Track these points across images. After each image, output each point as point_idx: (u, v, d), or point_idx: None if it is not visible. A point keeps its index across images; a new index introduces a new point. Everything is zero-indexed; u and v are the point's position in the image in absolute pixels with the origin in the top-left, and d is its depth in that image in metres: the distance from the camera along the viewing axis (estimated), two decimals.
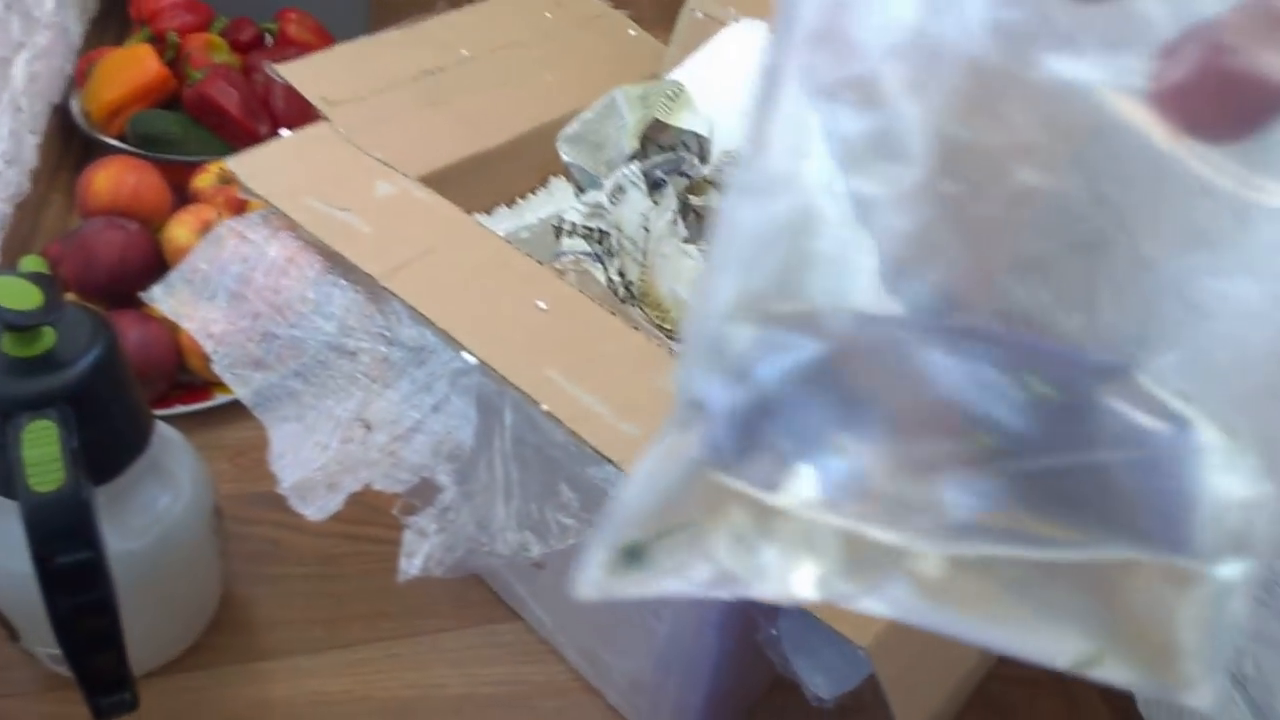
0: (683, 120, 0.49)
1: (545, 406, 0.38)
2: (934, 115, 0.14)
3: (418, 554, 0.38)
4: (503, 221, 0.56)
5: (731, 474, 0.16)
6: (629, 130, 0.49)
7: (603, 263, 0.46)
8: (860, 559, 0.15)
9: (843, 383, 0.16)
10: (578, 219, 0.46)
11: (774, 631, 0.46)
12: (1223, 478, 0.15)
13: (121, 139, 0.85)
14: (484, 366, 0.38)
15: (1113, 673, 0.16)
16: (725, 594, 0.16)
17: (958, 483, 0.15)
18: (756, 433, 0.16)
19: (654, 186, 0.47)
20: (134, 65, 0.86)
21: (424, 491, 0.42)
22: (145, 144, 0.84)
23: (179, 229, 0.72)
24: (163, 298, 0.43)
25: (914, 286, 0.15)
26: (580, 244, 0.46)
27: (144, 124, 0.84)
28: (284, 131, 0.47)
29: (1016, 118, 0.14)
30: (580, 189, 0.51)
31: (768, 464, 0.16)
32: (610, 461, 0.36)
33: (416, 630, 0.63)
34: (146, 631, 0.56)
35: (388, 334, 0.40)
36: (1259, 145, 0.13)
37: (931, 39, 0.14)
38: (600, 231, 0.46)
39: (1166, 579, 0.15)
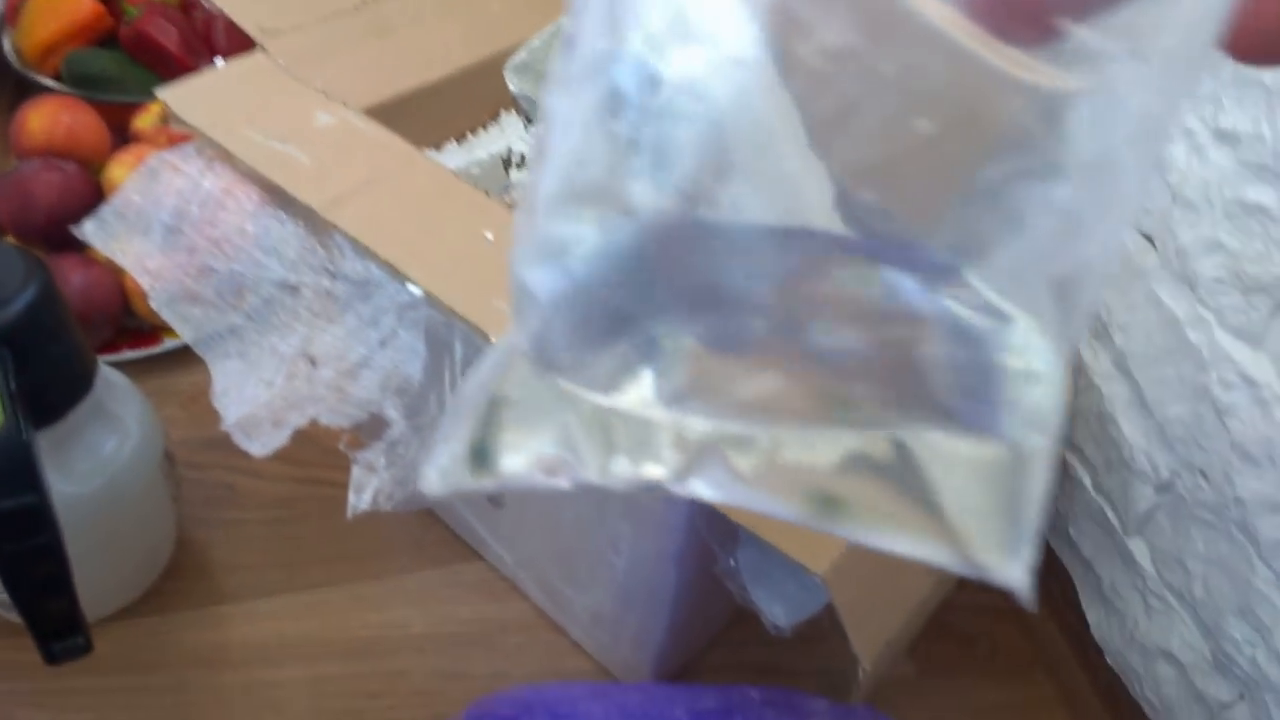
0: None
1: (495, 338, 0.37)
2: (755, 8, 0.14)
3: (366, 489, 0.38)
4: (452, 158, 0.54)
5: (558, 367, 0.17)
6: None
7: None
8: (683, 446, 0.16)
9: (658, 273, 0.16)
10: (526, 150, 0.45)
11: (732, 562, 0.46)
12: (1025, 362, 0.16)
13: (57, 79, 0.82)
14: (430, 298, 0.37)
15: (927, 551, 0.16)
16: (563, 483, 0.17)
17: (774, 371, 0.16)
18: (579, 322, 0.17)
19: None
20: (67, 1, 0.82)
21: (373, 427, 0.41)
22: (82, 84, 0.80)
23: (119, 170, 0.69)
24: (95, 233, 0.42)
25: (734, 188, 0.15)
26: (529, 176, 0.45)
27: (80, 63, 0.80)
28: (219, 61, 0.45)
29: (834, 21, 0.14)
30: (529, 120, 0.49)
31: (592, 354, 0.17)
32: None
33: (377, 572, 0.63)
34: (99, 577, 0.56)
35: (330, 268, 0.39)
36: (1064, 46, 0.14)
37: None
38: None
39: (975, 459, 0.16)
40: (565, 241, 0.16)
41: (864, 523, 0.16)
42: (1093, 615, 0.60)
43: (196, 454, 0.67)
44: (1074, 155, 0.15)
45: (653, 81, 0.15)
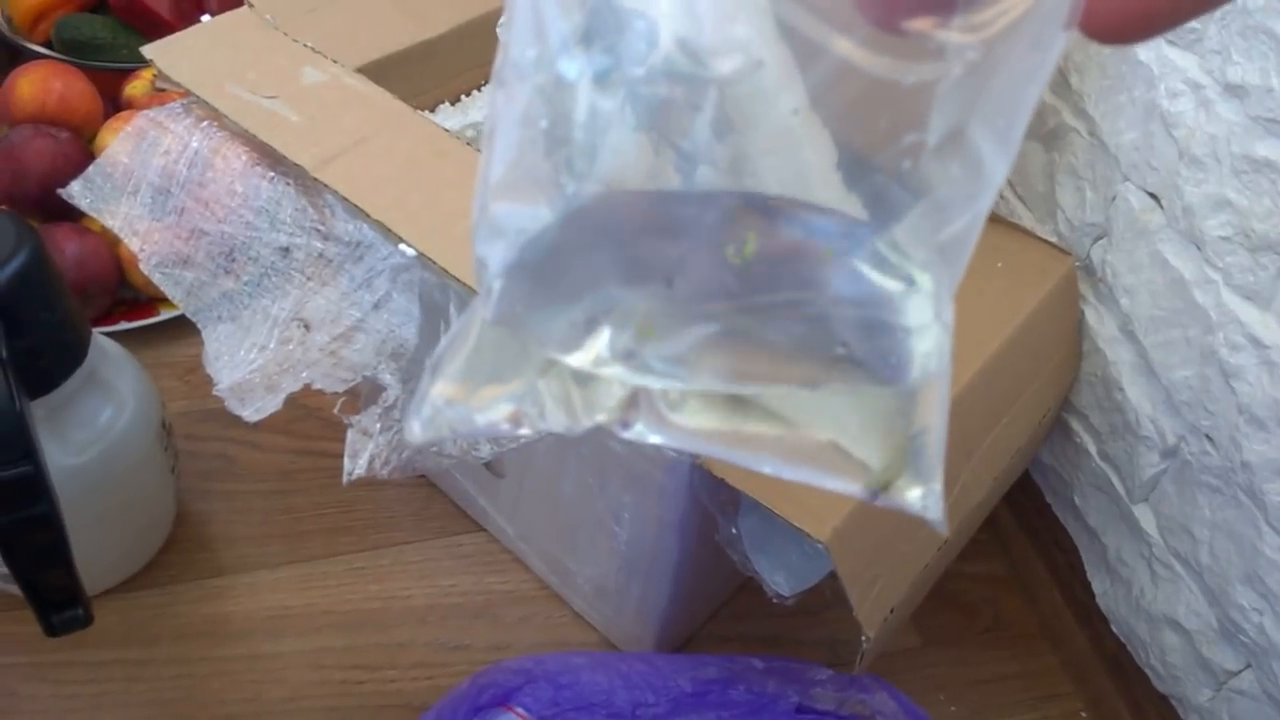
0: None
1: None
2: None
3: (362, 454, 0.37)
4: (446, 119, 0.53)
5: (518, 329, 0.19)
6: None
7: None
8: (627, 394, 0.19)
9: (593, 246, 0.19)
10: None
11: (734, 530, 0.46)
12: (921, 315, 0.18)
13: (48, 45, 0.81)
14: (423, 259, 0.37)
15: (843, 485, 0.19)
16: (526, 431, 0.19)
17: (709, 326, 0.18)
18: (529, 291, 0.19)
19: None
20: None
21: (369, 393, 0.40)
22: (73, 50, 0.79)
23: (112, 137, 0.68)
24: (82, 195, 0.41)
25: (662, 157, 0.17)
26: None
27: (70, 29, 0.79)
28: (205, 18, 0.44)
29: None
30: None
31: (545, 317, 0.19)
32: None
33: (378, 544, 0.63)
34: (98, 549, 0.55)
35: (322, 229, 0.38)
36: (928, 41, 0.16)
37: None
38: None
39: (881, 402, 0.19)
40: (510, 222, 0.18)
41: (785, 460, 0.19)
42: (1098, 584, 0.60)
43: (194, 426, 0.66)
44: (940, 135, 0.17)
45: (570, 83, 0.17)
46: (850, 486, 0.19)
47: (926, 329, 0.18)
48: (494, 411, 0.19)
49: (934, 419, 0.19)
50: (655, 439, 0.19)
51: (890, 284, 0.18)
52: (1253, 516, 0.47)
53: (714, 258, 0.18)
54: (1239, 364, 0.46)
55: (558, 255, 0.18)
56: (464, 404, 0.19)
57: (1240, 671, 0.50)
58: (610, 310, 0.18)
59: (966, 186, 0.18)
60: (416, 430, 0.19)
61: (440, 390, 0.20)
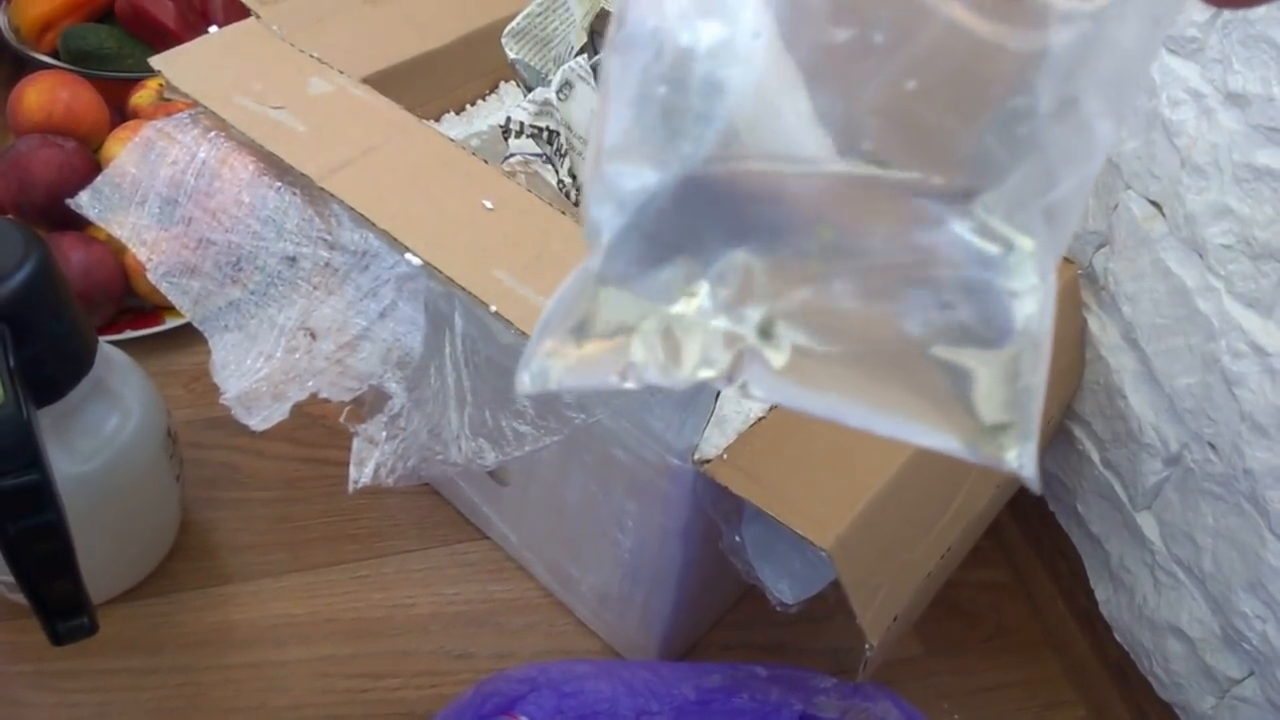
0: None
1: (494, 307, 0.36)
2: None
3: (367, 462, 0.37)
4: (451, 129, 0.54)
5: (625, 284, 0.20)
6: (576, 23, 0.47)
7: (553, 164, 0.44)
8: (732, 349, 0.19)
9: (704, 209, 0.19)
10: (525, 118, 0.45)
11: (738, 538, 0.46)
12: (1022, 279, 0.19)
13: (54, 55, 0.82)
14: (429, 268, 0.37)
15: (941, 442, 0.19)
16: (631, 385, 0.20)
17: (813, 286, 0.19)
18: (639, 250, 0.20)
19: None
20: None
21: (374, 401, 0.41)
22: (79, 60, 0.80)
23: (118, 146, 0.69)
24: (91, 205, 0.41)
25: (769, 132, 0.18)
26: (529, 145, 0.44)
27: (76, 39, 0.80)
28: (213, 28, 0.45)
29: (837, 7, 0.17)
30: (528, 88, 0.49)
31: (653, 273, 0.19)
32: None
33: (381, 552, 0.63)
34: (104, 557, 0.56)
35: (328, 238, 0.38)
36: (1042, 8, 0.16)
37: None
38: (549, 131, 0.45)
39: (983, 364, 0.19)
40: (624, 184, 0.19)
41: (885, 416, 0.19)
42: (1101, 592, 0.60)
43: (199, 434, 0.66)
44: (1048, 103, 0.17)
45: (687, 51, 0.18)
46: (949, 443, 0.19)
47: (1030, 292, 0.19)
48: (601, 365, 0.20)
49: (1034, 379, 0.19)
50: (758, 394, 0.19)
51: (991, 247, 0.18)
52: (1255, 524, 0.47)
53: (819, 221, 0.18)
54: (1241, 371, 0.46)
55: (668, 216, 0.19)
56: (572, 357, 0.20)
57: (1243, 679, 0.50)
58: (716, 266, 0.19)
59: (1075, 152, 0.18)
60: (526, 383, 0.20)
61: (549, 346, 0.20)
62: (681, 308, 0.19)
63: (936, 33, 0.17)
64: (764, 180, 0.19)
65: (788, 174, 0.18)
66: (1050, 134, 0.18)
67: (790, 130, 0.18)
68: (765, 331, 0.19)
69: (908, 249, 0.18)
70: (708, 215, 0.19)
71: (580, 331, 0.20)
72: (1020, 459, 0.19)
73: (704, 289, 0.19)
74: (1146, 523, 0.55)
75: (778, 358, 0.19)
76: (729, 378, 0.19)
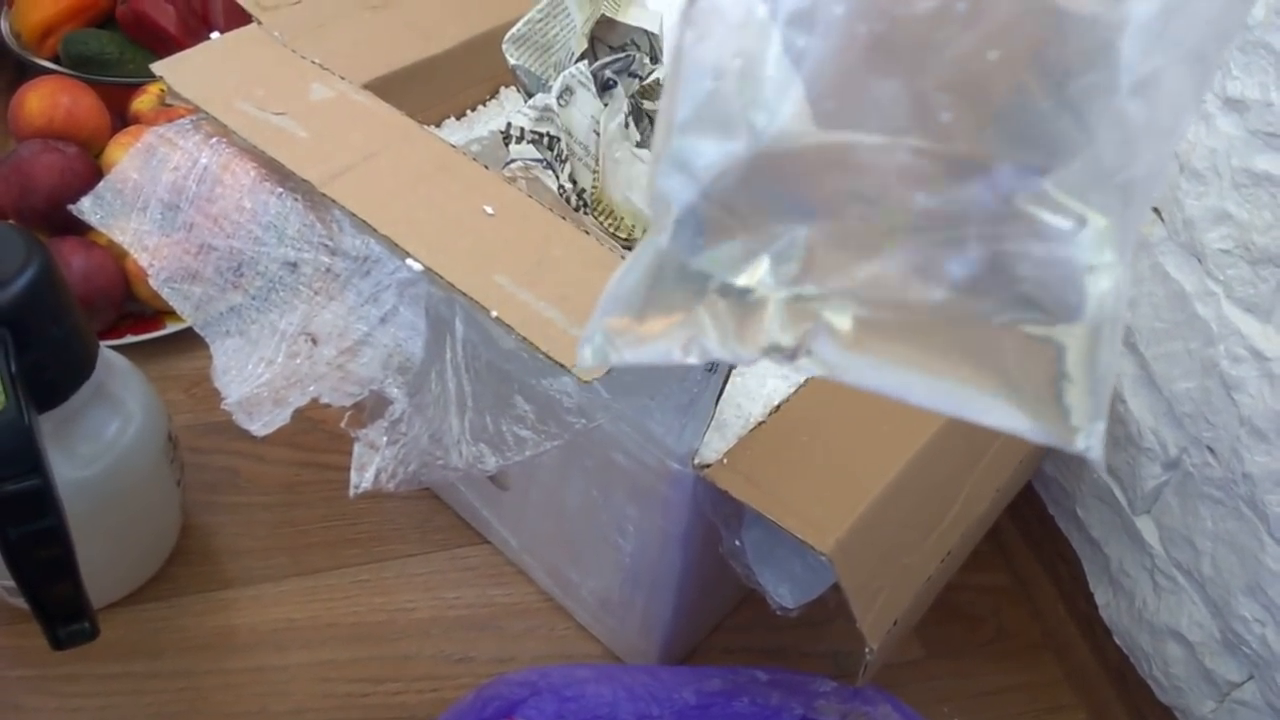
0: (632, 17, 0.47)
1: (495, 313, 0.36)
2: None
3: (369, 467, 0.37)
4: (452, 134, 0.54)
5: (691, 256, 0.20)
6: (577, 30, 0.47)
7: (553, 170, 0.44)
8: (795, 322, 0.19)
9: (771, 183, 0.19)
10: (526, 123, 0.45)
11: (738, 543, 0.46)
12: (1096, 256, 0.18)
13: (55, 60, 0.82)
14: (429, 273, 0.37)
15: (1012, 422, 0.19)
16: (693, 359, 0.20)
17: (877, 261, 0.18)
18: (706, 220, 0.20)
19: (604, 88, 0.46)
20: None
21: (375, 406, 0.41)
22: (80, 65, 0.80)
23: (119, 151, 0.69)
24: (93, 210, 0.41)
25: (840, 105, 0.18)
26: (530, 150, 0.45)
27: (77, 44, 0.80)
28: (214, 34, 0.45)
29: None
30: (528, 94, 0.49)
31: (718, 244, 0.19)
32: (564, 368, 0.35)
33: (382, 556, 0.63)
34: (105, 561, 0.56)
35: (330, 243, 0.39)
36: None
37: None
38: (550, 137, 0.45)
39: (1054, 342, 0.19)
40: (694, 158, 0.19)
41: (949, 393, 0.19)
42: (1101, 596, 0.60)
43: (200, 439, 0.66)
44: (1129, 76, 0.17)
45: (766, 21, 0.18)
46: (1016, 422, 0.19)
47: (1106, 269, 0.18)
48: (664, 340, 0.20)
49: (1106, 359, 0.19)
50: (821, 371, 0.19)
51: (1063, 222, 0.18)
52: (1254, 528, 0.47)
53: (889, 198, 0.18)
54: (1240, 376, 0.46)
55: (737, 189, 0.19)
56: (634, 333, 0.20)
57: (1243, 683, 0.50)
58: (784, 240, 0.19)
59: (1154, 127, 0.18)
60: (588, 357, 0.20)
61: (611, 321, 0.20)
62: (746, 281, 0.19)
63: (1017, 3, 0.16)
64: (834, 153, 0.18)
65: (860, 146, 0.18)
66: (1128, 108, 0.17)
67: (864, 102, 0.18)
68: (830, 306, 0.19)
69: (977, 223, 0.18)
70: (775, 189, 0.19)
71: (644, 307, 0.20)
72: (1089, 440, 0.18)
73: (765, 264, 0.19)
74: (1146, 527, 0.55)
75: (843, 332, 0.19)
76: (794, 352, 0.19)
